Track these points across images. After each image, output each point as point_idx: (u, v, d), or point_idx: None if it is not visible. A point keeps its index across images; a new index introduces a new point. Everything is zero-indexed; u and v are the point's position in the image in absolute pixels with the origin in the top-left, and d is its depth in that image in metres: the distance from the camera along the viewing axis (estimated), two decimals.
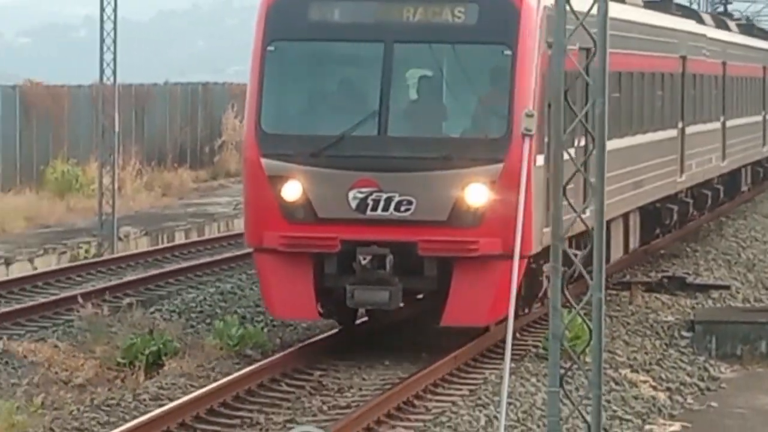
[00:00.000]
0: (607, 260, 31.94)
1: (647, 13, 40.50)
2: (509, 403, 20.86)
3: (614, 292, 36.25)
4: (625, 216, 35.95)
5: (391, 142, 23.19)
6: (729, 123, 47.24)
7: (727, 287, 42.34)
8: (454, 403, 26.38)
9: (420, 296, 27.57)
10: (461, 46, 23.43)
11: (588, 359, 18.78)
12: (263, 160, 23.40)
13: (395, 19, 23.23)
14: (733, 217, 60.05)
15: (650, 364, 31.41)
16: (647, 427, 26.47)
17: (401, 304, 25.49)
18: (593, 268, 18.17)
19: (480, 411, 24.89)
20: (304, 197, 23.41)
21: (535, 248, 23.98)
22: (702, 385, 30.71)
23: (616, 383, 26.83)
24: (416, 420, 25.83)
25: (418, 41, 23.68)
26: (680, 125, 40.04)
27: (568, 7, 20.75)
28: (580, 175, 23.16)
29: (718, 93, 45.49)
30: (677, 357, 32.70)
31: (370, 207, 23.11)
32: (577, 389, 22.67)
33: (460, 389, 27.58)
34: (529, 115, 24.78)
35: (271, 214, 23.65)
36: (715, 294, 40.92)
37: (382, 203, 22.82)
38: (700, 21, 45.97)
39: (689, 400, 29.12)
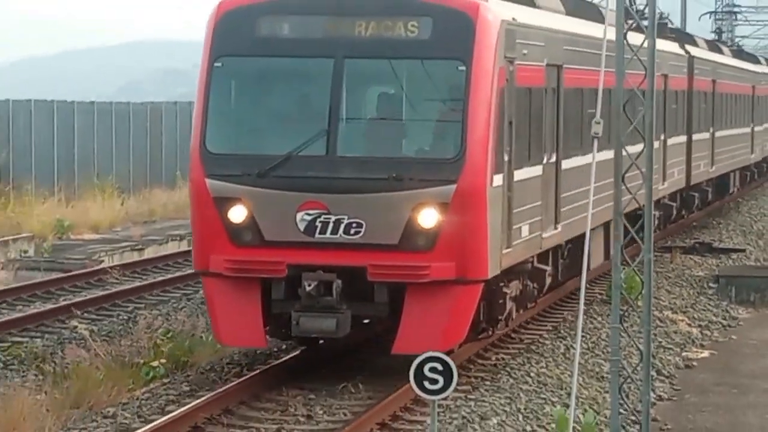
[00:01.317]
0: (587, 264, 25.82)
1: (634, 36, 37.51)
2: (582, 336, 20.54)
3: (658, 254, 36.00)
4: (606, 224, 29.69)
5: (340, 163, 18.43)
6: (718, 134, 44.73)
7: (743, 250, 44.17)
8: (541, 336, 27.69)
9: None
10: (414, 62, 18.78)
11: (640, 303, 19.68)
12: (208, 181, 18.64)
13: (346, 34, 18.61)
14: (747, 198, 60.91)
15: (686, 307, 33.23)
16: (684, 353, 28.12)
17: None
18: (644, 236, 19.53)
19: (560, 342, 26.56)
20: (251, 219, 18.72)
21: (492, 272, 19.05)
22: (724, 323, 32.66)
23: (661, 321, 28.17)
24: (513, 348, 26.38)
25: (369, 57, 18.89)
26: (662, 137, 36.09)
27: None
28: (550, 190, 22.87)
29: (708, 107, 42.85)
30: (706, 302, 34.61)
31: (318, 230, 18.40)
32: (631, 326, 22.00)
33: (546, 326, 28.67)
34: (598, 122, 21.63)
35: (217, 237, 18.85)
36: (734, 255, 42.66)
37: (330, 226, 18.25)
38: (694, 44, 43.78)
39: (715, 334, 31.03)
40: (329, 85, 18.89)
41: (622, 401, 18.61)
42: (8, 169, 56.21)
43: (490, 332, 21.89)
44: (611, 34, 28.15)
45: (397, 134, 19.59)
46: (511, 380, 23.34)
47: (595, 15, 31.38)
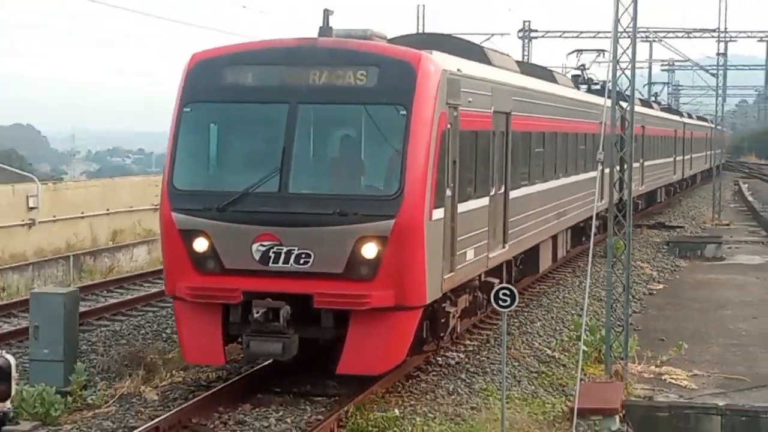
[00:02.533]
0: (537, 270, 23.49)
1: (579, 93, 30.72)
2: (593, 274, 16.95)
3: (634, 229, 35.22)
4: (554, 237, 25.02)
5: (291, 199, 14.06)
6: (646, 163, 40.30)
7: (683, 227, 42.92)
8: (565, 275, 27.32)
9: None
10: (361, 107, 14.32)
11: (623, 257, 19.09)
12: (174, 215, 14.30)
13: (301, 82, 14.26)
14: (684, 196, 59.53)
15: (649, 260, 32.57)
16: (648, 286, 28.01)
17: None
18: (627, 220, 18.65)
19: (576, 279, 26.53)
20: (212, 249, 14.17)
21: (431, 297, 14.35)
22: (672, 269, 31.97)
23: (635, 268, 26.78)
24: (549, 282, 26.13)
25: (321, 102, 14.45)
26: (600, 167, 31.53)
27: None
28: (498, 217, 18.20)
29: (638, 145, 36.75)
30: (661, 257, 33.83)
31: (272, 259, 13.93)
32: (618, 270, 19.01)
33: (568, 270, 28.23)
34: (600, 153, 18.58)
35: (183, 265, 14.36)
36: (677, 230, 41.53)
37: (282, 256, 13.83)
38: (625, 100, 41.82)
39: (666, 275, 30.56)
40: (284, 128, 14.25)
41: (612, 313, 18.37)
42: None
43: (436, 345, 16.52)
44: (564, 91, 25.84)
45: (343, 173, 14.70)
46: (548, 301, 23.54)
47: (549, 76, 26.84)
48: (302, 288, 13.74)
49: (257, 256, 13.90)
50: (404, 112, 13.76)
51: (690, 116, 65.57)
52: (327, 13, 14.63)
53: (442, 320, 15.43)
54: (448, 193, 14.73)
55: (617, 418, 15.07)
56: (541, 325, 21.10)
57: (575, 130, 26.00)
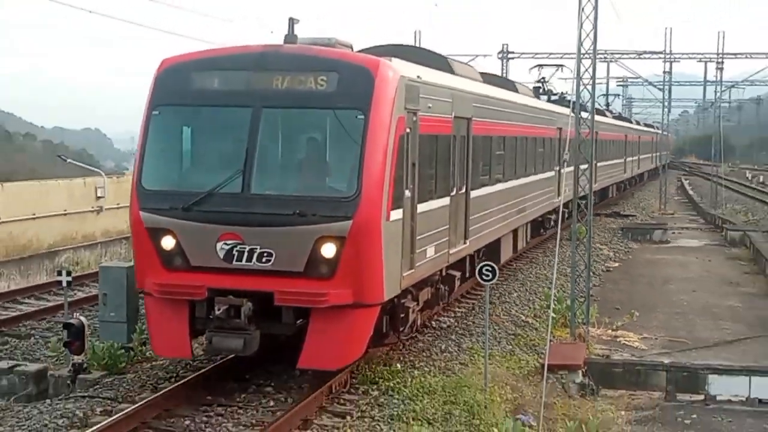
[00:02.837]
0: (498, 260, 20.56)
1: (538, 102, 28.18)
2: (559, 254, 17.09)
3: (594, 217, 35.03)
4: (515, 230, 22.67)
5: (254, 199, 12.02)
6: (599, 164, 35.70)
7: (635, 215, 42.39)
8: (537, 255, 26.44)
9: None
10: (320, 111, 12.32)
11: (585, 240, 19.27)
12: (142, 214, 12.31)
13: (265, 87, 12.25)
14: (635, 191, 58.73)
15: (607, 242, 32.36)
16: (606, 264, 27.89)
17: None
18: (588, 211, 18.94)
19: (546, 258, 25.94)
20: (179, 247, 12.17)
21: (389, 295, 12.36)
22: (625, 250, 31.75)
23: (594, 249, 26.27)
24: (525, 261, 25.03)
25: (283, 106, 12.38)
26: (557, 168, 27.88)
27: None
28: (460, 215, 16.07)
29: (614, 148, 33.49)
30: (617, 240, 33.52)
31: (235, 258, 11.91)
32: (581, 251, 19.57)
33: (540, 250, 27.54)
34: (566, 153, 18.97)
35: (151, 262, 12.35)
36: (630, 218, 40.99)
37: (245, 254, 11.85)
38: (583, 110, 38.18)
39: (621, 255, 30.35)
40: (247, 131, 12.26)
41: (575, 286, 18.34)
42: None
43: (396, 338, 14.59)
44: (524, 99, 23.67)
45: (303, 175, 12.69)
46: (523, 276, 23.31)
47: (510, 86, 24.66)
48: (264, 285, 11.90)
49: (221, 255, 12.00)
50: (362, 117, 11.96)
51: (638, 123, 64.54)
52: (292, 21, 12.92)
53: (402, 315, 13.59)
54: (408, 194, 12.83)
55: (580, 372, 15.12)
56: (517, 295, 21.02)
57: (534, 134, 24.26)
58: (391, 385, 13.11)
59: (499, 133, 19.58)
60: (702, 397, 14.52)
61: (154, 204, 12.29)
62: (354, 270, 11.76)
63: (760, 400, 14.15)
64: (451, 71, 16.95)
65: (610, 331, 19.08)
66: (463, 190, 16.38)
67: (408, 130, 12.72)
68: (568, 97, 35.51)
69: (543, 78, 34.35)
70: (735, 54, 57.77)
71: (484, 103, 17.86)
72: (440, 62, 16.90)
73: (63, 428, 11.25)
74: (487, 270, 13.59)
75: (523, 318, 18.96)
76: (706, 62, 58.08)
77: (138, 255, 12.61)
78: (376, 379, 13.33)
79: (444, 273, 15.95)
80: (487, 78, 21.45)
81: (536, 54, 50.45)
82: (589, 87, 19.07)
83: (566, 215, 27.72)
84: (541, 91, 32.91)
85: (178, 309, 12.30)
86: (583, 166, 19.00)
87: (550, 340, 15.00)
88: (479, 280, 13.78)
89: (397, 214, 12.33)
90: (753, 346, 18.00)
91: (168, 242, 12.19)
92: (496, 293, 20.48)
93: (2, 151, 65.64)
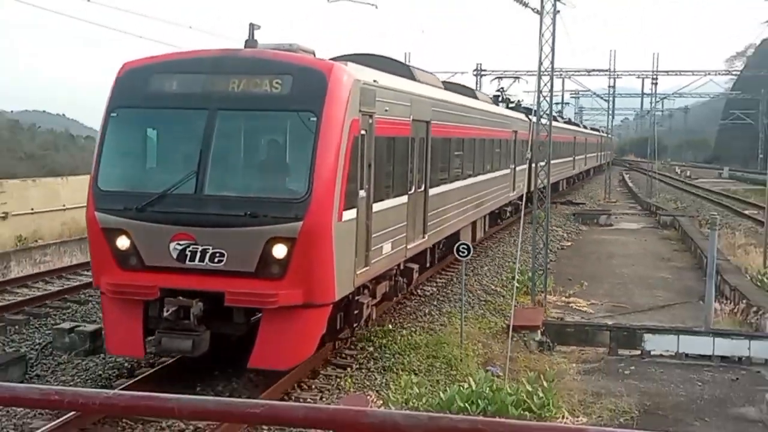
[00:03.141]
0: (475, 238, 20.25)
1: (496, 107, 25.92)
2: (522, 235, 16.66)
3: (550, 205, 34.20)
4: (474, 222, 20.75)
5: (206, 200, 10.20)
6: (552, 162, 32.12)
7: (584, 203, 42.26)
8: (503, 237, 26.47)
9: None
10: (274, 113, 10.54)
11: (543, 223, 19.45)
12: (97, 214, 10.50)
13: (221, 89, 10.43)
14: (584, 184, 58.50)
15: (562, 225, 32.08)
16: (560, 243, 27.70)
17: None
18: (546, 199, 18.74)
19: (512, 239, 25.64)
20: (133, 247, 10.35)
21: (341, 294, 10.51)
22: (577, 232, 31.62)
23: (552, 231, 26.15)
24: (495, 240, 25.38)
25: (238, 109, 10.52)
26: (512, 166, 25.93)
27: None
28: (418, 211, 14.34)
29: (544, 148, 30.29)
30: (569, 224, 33.27)
31: (188, 258, 10.08)
32: (540, 232, 19.04)
33: (507, 231, 27.26)
34: (529, 152, 18.69)
35: (107, 262, 10.48)
36: (580, 205, 40.73)
37: (198, 255, 10.06)
38: (535, 115, 35.17)
39: (573, 236, 30.19)
40: (202, 133, 10.41)
41: (536, 261, 18.30)
42: None
43: (351, 332, 12.52)
44: (482, 105, 21.74)
45: (256, 176, 10.75)
46: (492, 253, 23.25)
47: (470, 93, 22.91)
48: (215, 286, 10.04)
49: (174, 255, 10.14)
50: (314, 119, 10.15)
51: (585, 127, 64.12)
52: (252, 27, 11.25)
53: (356, 311, 11.63)
54: (362, 194, 11.02)
55: (539, 332, 15.12)
56: (488, 269, 21.03)
57: (491, 136, 22.44)
58: (384, 342, 13.08)
59: (458, 135, 17.88)
60: (639, 352, 14.54)
61: (110, 205, 10.48)
62: (304, 271, 9.93)
63: (686, 355, 14.18)
64: (413, 78, 15.45)
65: (563, 298, 19.08)
66: (422, 189, 14.54)
67: (363, 132, 11.02)
68: (523, 105, 34.58)
69: (501, 88, 33.39)
70: (667, 71, 57.95)
71: (443, 107, 16.27)
72: (403, 70, 15.42)
73: (113, 377, 11.28)
74: (463, 248, 13.46)
75: (493, 287, 18.91)
76: (643, 78, 58.52)
77: (94, 255, 10.68)
78: (371, 337, 13.31)
79: (402, 266, 13.98)
80: (449, 86, 19.85)
81: (505, 71, 50.31)
82: (548, 98, 19.03)
83: (527, 204, 27.75)
84: (500, 99, 31.77)
85: (132, 308, 10.44)
86: (542, 163, 19.06)
87: (515, 306, 14.99)
88: (456, 256, 13.56)
89: (350, 214, 10.49)
90: (680, 311, 18.07)
91: (123, 242, 10.40)
92: (471, 267, 20.41)
93: (67, 150, 65.77)
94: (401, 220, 13.11)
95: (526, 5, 19.17)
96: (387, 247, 12.29)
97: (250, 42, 11.30)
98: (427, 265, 16.34)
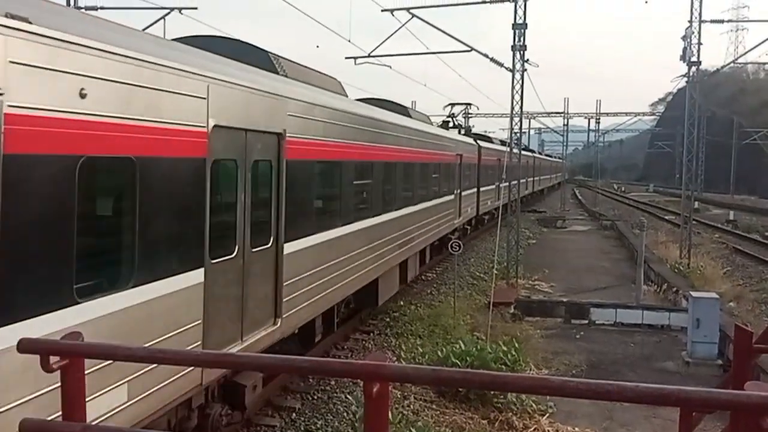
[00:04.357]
0: (405, 280, 13.26)
1: (434, 128, 16.82)
2: (500, 236, 16.23)
3: (520, 213, 32.86)
4: (422, 250, 14.59)
5: None
6: (502, 185, 26.23)
7: (545, 211, 41.56)
8: (486, 237, 26.00)
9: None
10: None
11: (515, 226, 19.00)
12: None
13: None
14: (545, 196, 58.47)
15: (528, 228, 31.36)
16: (528, 241, 26.91)
17: None
18: (517, 211, 18.61)
19: (490, 238, 24.95)
20: None
21: None
22: (540, 232, 31.09)
23: (522, 232, 25.08)
24: (479, 240, 25.12)
25: None
26: (457, 191, 18.41)
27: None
28: (255, 285, 6.76)
29: (495, 172, 25.73)
30: (534, 227, 32.68)
31: None
32: (512, 234, 18.52)
33: (488, 233, 27.00)
34: (504, 175, 16.73)
35: None
36: (542, 213, 40.17)
37: None
38: (489, 140, 28.96)
39: (537, 236, 29.61)
40: None
41: (510, 254, 18.12)
42: None
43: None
44: (417, 125, 13.79)
45: None
46: (477, 248, 23.05)
47: (402, 111, 14.30)
48: None
49: None
50: None
51: (541, 153, 62.74)
52: None
53: None
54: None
55: (512, 306, 15.01)
56: (474, 260, 20.85)
57: (428, 159, 14.49)
58: (397, 315, 13.10)
59: (364, 158, 9.85)
60: (586, 321, 14.40)
61: None
62: None
63: (622, 323, 14.09)
64: (274, 71, 7.75)
65: (530, 281, 18.89)
66: (270, 244, 6.78)
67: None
68: (473, 129, 30.49)
69: (452, 114, 27.14)
70: (607, 113, 58.49)
71: (324, 116, 8.10)
72: (259, 56, 7.86)
73: None
74: (455, 245, 13.52)
75: (478, 274, 18.67)
76: (589, 118, 58.49)
77: None
78: (389, 311, 13.31)
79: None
80: (377, 102, 13.49)
81: (486, 114, 50.12)
82: (517, 134, 18.94)
83: (495, 215, 24.92)
84: (450, 124, 25.86)
85: None
86: (513, 182, 18.77)
87: (494, 287, 14.96)
88: (450, 251, 13.55)
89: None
90: (617, 291, 17.84)
91: None
92: (462, 259, 20.25)
93: None
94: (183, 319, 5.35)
95: (501, 65, 19.14)
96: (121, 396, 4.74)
97: None
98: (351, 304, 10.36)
